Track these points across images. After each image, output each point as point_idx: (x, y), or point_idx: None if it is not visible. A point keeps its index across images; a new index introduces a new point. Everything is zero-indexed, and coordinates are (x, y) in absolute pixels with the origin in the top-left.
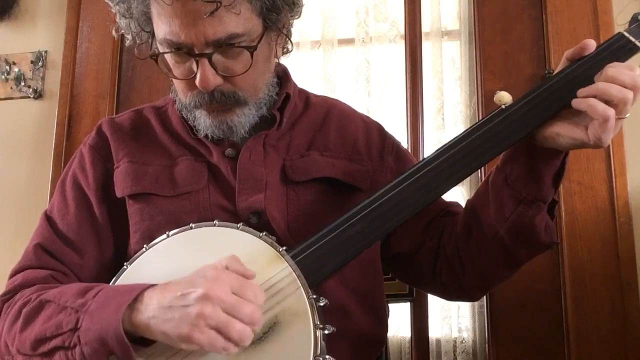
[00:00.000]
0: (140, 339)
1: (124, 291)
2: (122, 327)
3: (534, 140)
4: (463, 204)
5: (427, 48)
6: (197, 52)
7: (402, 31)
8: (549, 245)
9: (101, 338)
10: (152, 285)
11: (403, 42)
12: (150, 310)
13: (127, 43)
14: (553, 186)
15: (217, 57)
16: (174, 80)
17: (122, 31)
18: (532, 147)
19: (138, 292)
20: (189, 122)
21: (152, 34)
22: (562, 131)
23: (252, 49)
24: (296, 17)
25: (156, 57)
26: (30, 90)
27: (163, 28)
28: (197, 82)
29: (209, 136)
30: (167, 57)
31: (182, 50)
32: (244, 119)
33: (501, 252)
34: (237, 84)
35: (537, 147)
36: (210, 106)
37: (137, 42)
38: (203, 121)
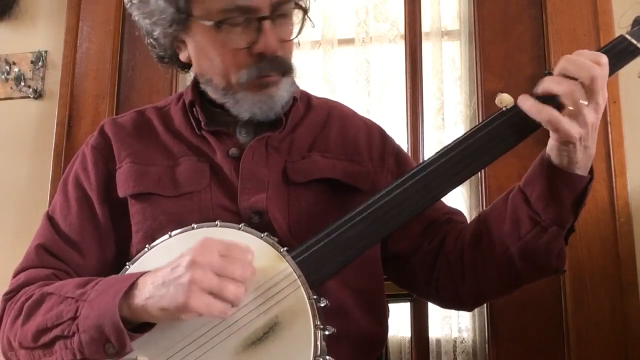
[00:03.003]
0: (140, 328)
1: (122, 280)
2: (120, 314)
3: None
4: (463, 205)
5: (427, 48)
6: (262, 15)
7: (402, 31)
8: (556, 271)
9: (99, 325)
10: (147, 272)
11: (403, 42)
12: (145, 292)
13: (141, 32)
14: (573, 212)
15: (275, 22)
16: (219, 62)
17: (154, 18)
18: (552, 168)
19: (134, 279)
20: (226, 106)
21: (189, 15)
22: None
23: (305, 9)
24: None
25: (220, 23)
26: (30, 90)
27: None
28: (260, 47)
29: (250, 116)
30: (223, 31)
31: (248, 14)
32: (285, 93)
33: (507, 269)
34: (286, 51)
35: (556, 168)
36: (264, 78)
37: (163, 28)
38: (250, 99)
